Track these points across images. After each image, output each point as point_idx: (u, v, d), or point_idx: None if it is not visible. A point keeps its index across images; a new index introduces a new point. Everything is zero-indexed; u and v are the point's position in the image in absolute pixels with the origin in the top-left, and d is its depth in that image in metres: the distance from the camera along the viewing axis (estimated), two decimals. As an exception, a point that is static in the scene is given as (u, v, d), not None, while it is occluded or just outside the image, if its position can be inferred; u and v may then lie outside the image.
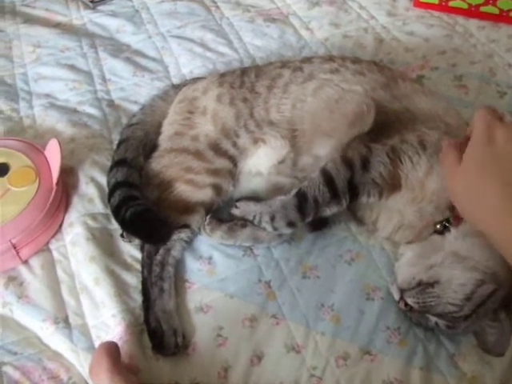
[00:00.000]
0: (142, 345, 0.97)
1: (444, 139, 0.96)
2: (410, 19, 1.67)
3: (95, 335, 0.99)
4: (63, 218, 1.14)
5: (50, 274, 1.06)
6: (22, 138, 1.26)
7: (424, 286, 0.93)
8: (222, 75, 1.25)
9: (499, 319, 0.92)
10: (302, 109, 1.12)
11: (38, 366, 0.95)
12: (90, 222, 1.12)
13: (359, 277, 1.05)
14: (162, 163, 1.14)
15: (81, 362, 0.95)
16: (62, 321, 1.00)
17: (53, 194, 1.10)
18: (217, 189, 1.10)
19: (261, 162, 1.13)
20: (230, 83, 1.19)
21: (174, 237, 1.06)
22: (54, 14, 1.73)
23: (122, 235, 1.10)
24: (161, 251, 1.05)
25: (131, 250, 1.09)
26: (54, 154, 1.14)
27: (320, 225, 1.09)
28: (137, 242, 1.09)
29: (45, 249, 1.10)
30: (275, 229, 1.02)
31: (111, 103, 1.41)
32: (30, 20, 1.70)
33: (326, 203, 1.00)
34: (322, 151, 1.09)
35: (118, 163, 1.14)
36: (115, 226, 1.11)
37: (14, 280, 1.05)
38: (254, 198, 1.09)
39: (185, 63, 1.53)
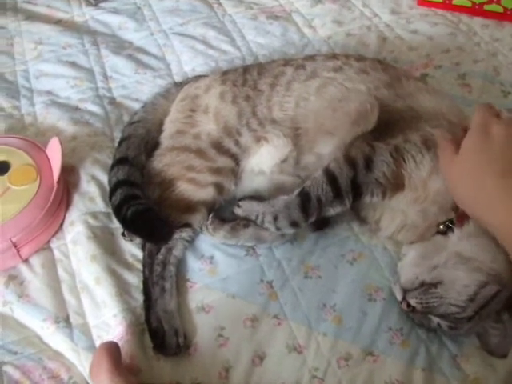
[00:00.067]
0: (143, 345, 0.96)
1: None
2: (414, 17, 1.66)
3: (96, 335, 0.98)
4: (64, 216, 1.14)
5: (51, 273, 1.06)
6: (23, 135, 1.25)
7: (427, 287, 0.93)
8: (225, 73, 1.25)
9: (502, 321, 0.92)
10: (305, 107, 1.11)
11: (38, 365, 0.95)
12: (91, 221, 1.11)
13: (361, 277, 1.04)
14: (163, 162, 1.13)
15: (81, 362, 0.95)
16: (63, 320, 1.00)
17: (54, 192, 1.10)
18: (219, 188, 1.10)
19: (263, 161, 1.12)
20: (233, 81, 1.19)
21: (176, 236, 1.05)
22: (56, 10, 1.72)
23: (123, 234, 1.10)
24: (162, 250, 1.04)
25: (132, 249, 1.09)
26: (55, 153, 1.13)
27: (322, 224, 1.09)
28: (138, 241, 1.09)
29: (45, 247, 1.10)
30: (278, 229, 1.01)
31: (113, 101, 1.41)
32: (31, 17, 1.69)
33: (329, 203, 0.99)
34: (325, 150, 1.08)
35: (119, 161, 1.14)
36: (116, 224, 1.11)
37: (14, 279, 1.05)
38: (257, 197, 1.09)
39: (187, 61, 1.52)
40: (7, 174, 1.12)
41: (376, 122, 1.06)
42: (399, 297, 0.98)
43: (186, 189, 1.09)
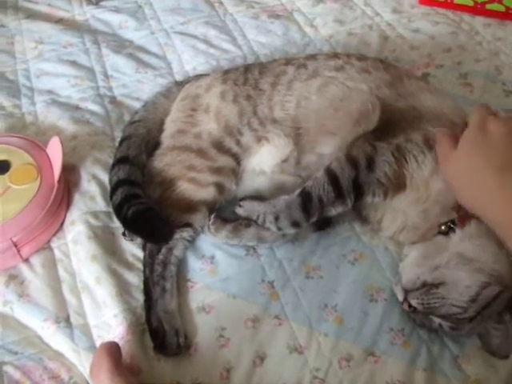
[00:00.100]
0: (144, 345, 0.96)
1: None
2: (416, 16, 1.65)
3: (96, 335, 0.98)
4: (65, 216, 1.14)
5: (51, 273, 1.06)
6: (23, 134, 1.25)
7: (428, 287, 0.93)
8: (226, 72, 1.24)
9: (504, 321, 0.92)
10: (307, 107, 1.11)
11: (38, 365, 0.94)
12: (92, 221, 1.11)
13: (363, 277, 1.04)
14: (164, 161, 1.13)
15: (82, 362, 0.95)
16: (63, 320, 0.99)
17: (54, 191, 1.09)
18: (219, 187, 1.09)
19: (264, 161, 1.12)
20: (234, 80, 1.18)
21: (177, 236, 1.05)
22: (57, 9, 1.72)
23: (123, 234, 1.09)
24: (163, 250, 1.04)
25: (133, 249, 1.08)
26: (55, 152, 1.13)
27: (324, 224, 1.08)
28: (139, 240, 1.08)
29: (46, 247, 1.10)
30: (279, 229, 1.01)
31: (113, 100, 1.40)
32: (32, 15, 1.68)
33: (330, 203, 0.99)
34: (326, 149, 1.08)
35: (120, 161, 1.14)
36: (117, 224, 1.10)
37: (14, 278, 1.05)
38: (258, 197, 1.08)
39: (188, 60, 1.52)
40: (8, 173, 1.12)
41: (378, 121, 1.06)
42: (400, 297, 0.98)
43: (187, 188, 1.09)
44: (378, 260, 1.07)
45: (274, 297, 1.02)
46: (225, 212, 1.11)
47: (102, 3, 1.74)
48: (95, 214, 1.12)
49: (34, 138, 1.22)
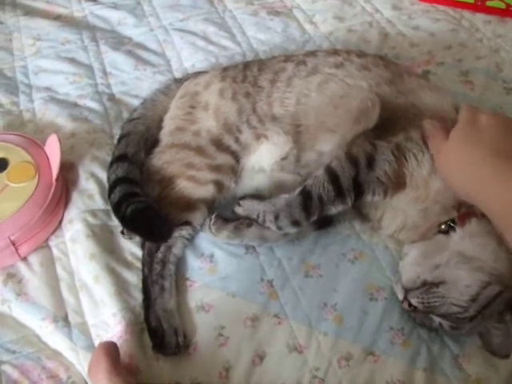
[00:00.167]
0: (143, 344, 0.96)
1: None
2: (416, 13, 1.65)
3: (95, 334, 0.98)
4: (63, 214, 1.13)
5: (50, 272, 1.05)
6: (21, 132, 1.24)
7: (429, 286, 0.93)
8: (225, 69, 1.24)
9: (505, 321, 0.91)
10: (306, 104, 1.10)
11: (36, 364, 0.94)
12: (90, 219, 1.10)
13: (362, 276, 1.03)
14: (163, 159, 1.12)
15: (80, 361, 0.94)
16: (62, 319, 0.99)
17: (52, 190, 1.09)
18: (218, 185, 1.09)
19: (263, 159, 1.11)
20: (233, 77, 1.18)
21: (175, 234, 1.04)
22: (55, 6, 1.71)
23: (122, 232, 1.09)
24: (162, 249, 1.03)
25: (132, 248, 1.08)
26: (53, 150, 1.12)
27: (325, 223, 1.08)
28: (137, 239, 1.08)
29: (44, 246, 1.09)
30: (279, 228, 1.00)
31: (112, 97, 1.40)
32: (30, 12, 1.68)
33: (330, 201, 0.98)
34: (326, 147, 1.07)
35: (118, 159, 1.13)
36: (115, 222, 1.10)
37: (12, 277, 1.04)
38: (258, 196, 1.08)
39: (187, 57, 1.51)
40: (5, 171, 1.11)
41: (377, 119, 1.05)
42: (400, 296, 0.97)
43: (186, 186, 1.08)
44: (378, 259, 1.06)
45: (273, 296, 1.01)
46: (226, 212, 1.10)
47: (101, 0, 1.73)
48: (93, 213, 1.12)
49: (32, 136, 1.22)
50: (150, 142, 1.17)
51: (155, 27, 1.62)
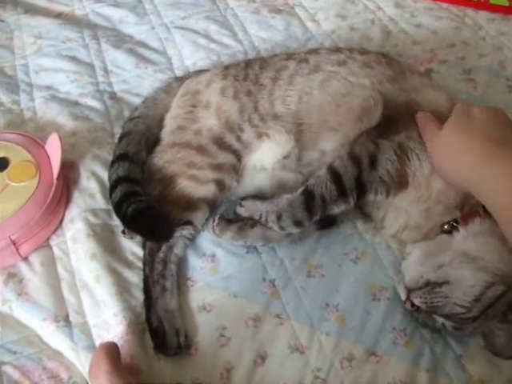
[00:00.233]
0: (144, 344, 0.95)
1: None
2: (418, 11, 1.63)
3: (96, 334, 0.97)
4: (64, 213, 1.12)
5: (50, 271, 1.05)
6: (22, 131, 1.24)
7: (432, 286, 0.92)
8: (226, 67, 1.23)
9: (508, 321, 0.91)
10: (308, 102, 1.09)
11: (37, 365, 0.94)
12: (91, 218, 1.10)
13: (365, 276, 1.03)
14: (164, 158, 1.12)
15: (81, 362, 0.94)
16: (63, 319, 0.99)
17: (53, 189, 1.08)
18: (220, 184, 1.08)
19: (265, 157, 1.11)
20: (234, 76, 1.17)
21: (177, 234, 1.04)
22: (56, 3, 1.70)
23: (123, 232, 1.08)
24: (163, 248, 1.03)
25: (133, 247, 1.07)
26: (54, 149, 1.12)
27: (327, 224, 1.07)
28: (138, 238, 1.07)
29: (45, 245, 1.09)
30: (282, 228, 1.00)
31: (113, 96, 1.39)
32: (31, 10, 1.67)
33: (333, 201, 0.98)
34: (328, 146, 1.07)
35: (119, 158, 1.13)
36: (117, 221, 1.09)
37: (13, 277, 1.04)
38: (260, 196, 1.07)
39: (188, 55, 1.50)
40: (6, 170, 1.11)
41: (380, 117, 1.05)
42: (403, 296, 0.96)
43: (187, 186, 1.07)
44: (381, 258, 1.05)
45: (275, 296, 1.01)
46: (230, 213, 1.09)
47: (102, -3, 1.72)
48: (94, 212, 1.11)
49: (33, 135, 1.21)
50: (151, 141, 1.17)
51: (156, 25, 1.61)
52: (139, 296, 1.00)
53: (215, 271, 1.04)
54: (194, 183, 1.08)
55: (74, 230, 1.09)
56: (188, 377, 0.92)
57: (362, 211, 1.09)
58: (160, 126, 1.18)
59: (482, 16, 1.61)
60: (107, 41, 1.55)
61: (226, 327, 0.97)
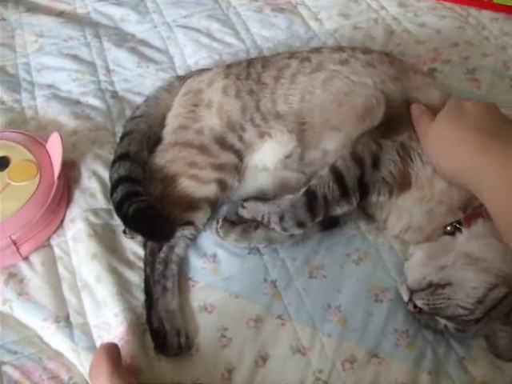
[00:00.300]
0: (145, 345, 0.95)
1: None
2: (422, 10, 1.62)
3: (97, 334, 0.97)
4: (65, 213, 1.12)
5: (51, 271, 1.05)
6: (23, 130, 1.24)
7: (434, 288, 0.91)
8: (228, 66, 1.23)
9: (511, 323, 0.90)
10: (311, 101, 1.09)
11: (38, 365, 0.93)
12: (92, 218, 1.09)
13: (367, 277, 1.02)
14: (165, 157, 1.11)
15: (82, 362, 0.94)
16: (63, 319, 0.98)
17: (54, 188, 1.08)
18: (222, 184, 1.08)
19: (267, 157, 1.10)
20: (236, 75, 1.17)
21: (178, 234, 1.03)
22: (58, 2, 1.70)
23: (124, 231, 1.08)
24: (164, 249, 1.02)
25: (134, 247, 1.07)
26: (55, 148, 1.11)
27: (330, 225, 1.07)
28: (139, 238, 1.07)
29: (46, 245, 1.08)
30: (284, 229, 0.99)
31: (115, 94, 1.38)
32: (32, 8, 1.66)
33: (335, 201, 0.97)
34: (330, 145, 1.06)
35: (120, 157, 1.12)
36: (118, 221, 1.09)
37: (14, 277, 1.03)
38: (262, 197, 1.07)
39: (190, 54, 1.50)
40: (7, 169, 1.10)
41: (382, 116, 1.04)
42: (406, 297, 0.96)
43: (189, 185, 1.07)
44: (383, 259, 1.05)
45: (276, 296, 1.00)
46: (231, 213, 1.09)
47: (104, -4, 1.72)
48: (95, 212, 1.11)
49: (34, 134, 1.20)
50: (153, 141, 1.16)
51: (158, 24, 1.61)
52: (140, 296, 1.00)
53: (216, 271, 1.04)
54: (196, 183, 1.07)
55: (75, 230, 1.09)
56: (189, 377, 0.92)
57: (365, 212, 1.09)
58: (162, 125, 1.17)
59: (486, 15, 1.60)
60: (109, 39, 1.54)
61: (227, 328, 0.96)
